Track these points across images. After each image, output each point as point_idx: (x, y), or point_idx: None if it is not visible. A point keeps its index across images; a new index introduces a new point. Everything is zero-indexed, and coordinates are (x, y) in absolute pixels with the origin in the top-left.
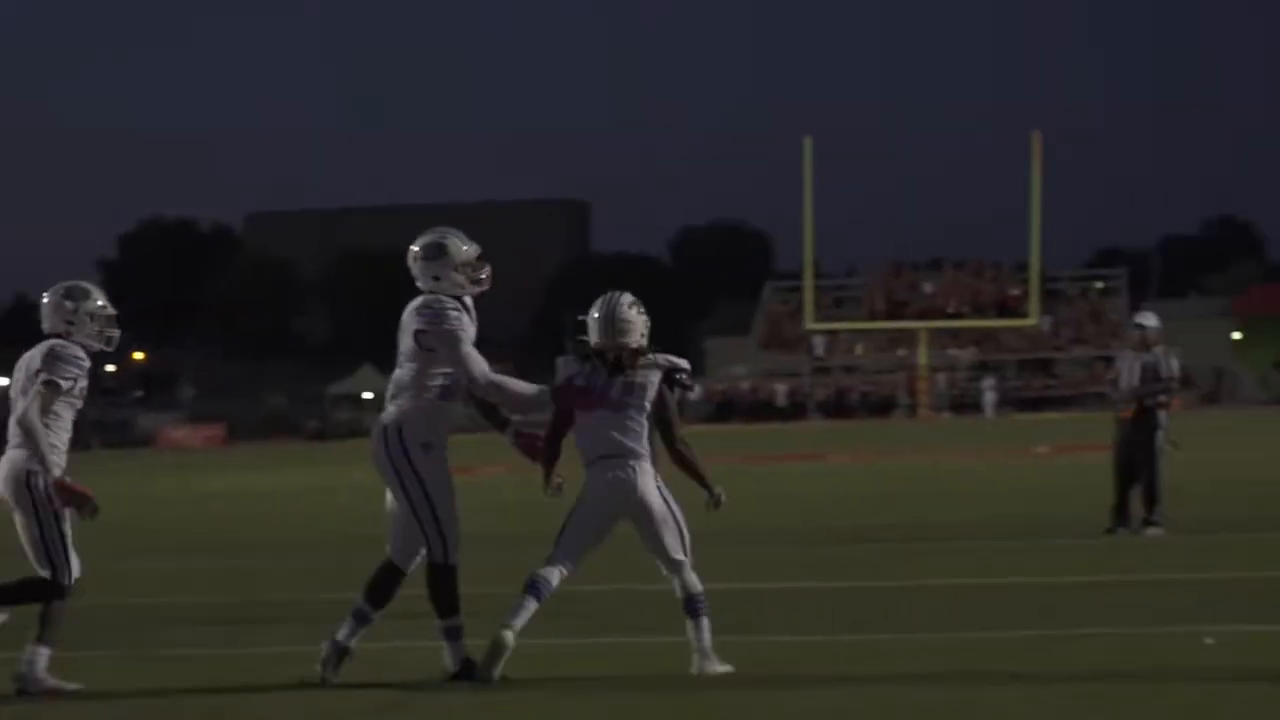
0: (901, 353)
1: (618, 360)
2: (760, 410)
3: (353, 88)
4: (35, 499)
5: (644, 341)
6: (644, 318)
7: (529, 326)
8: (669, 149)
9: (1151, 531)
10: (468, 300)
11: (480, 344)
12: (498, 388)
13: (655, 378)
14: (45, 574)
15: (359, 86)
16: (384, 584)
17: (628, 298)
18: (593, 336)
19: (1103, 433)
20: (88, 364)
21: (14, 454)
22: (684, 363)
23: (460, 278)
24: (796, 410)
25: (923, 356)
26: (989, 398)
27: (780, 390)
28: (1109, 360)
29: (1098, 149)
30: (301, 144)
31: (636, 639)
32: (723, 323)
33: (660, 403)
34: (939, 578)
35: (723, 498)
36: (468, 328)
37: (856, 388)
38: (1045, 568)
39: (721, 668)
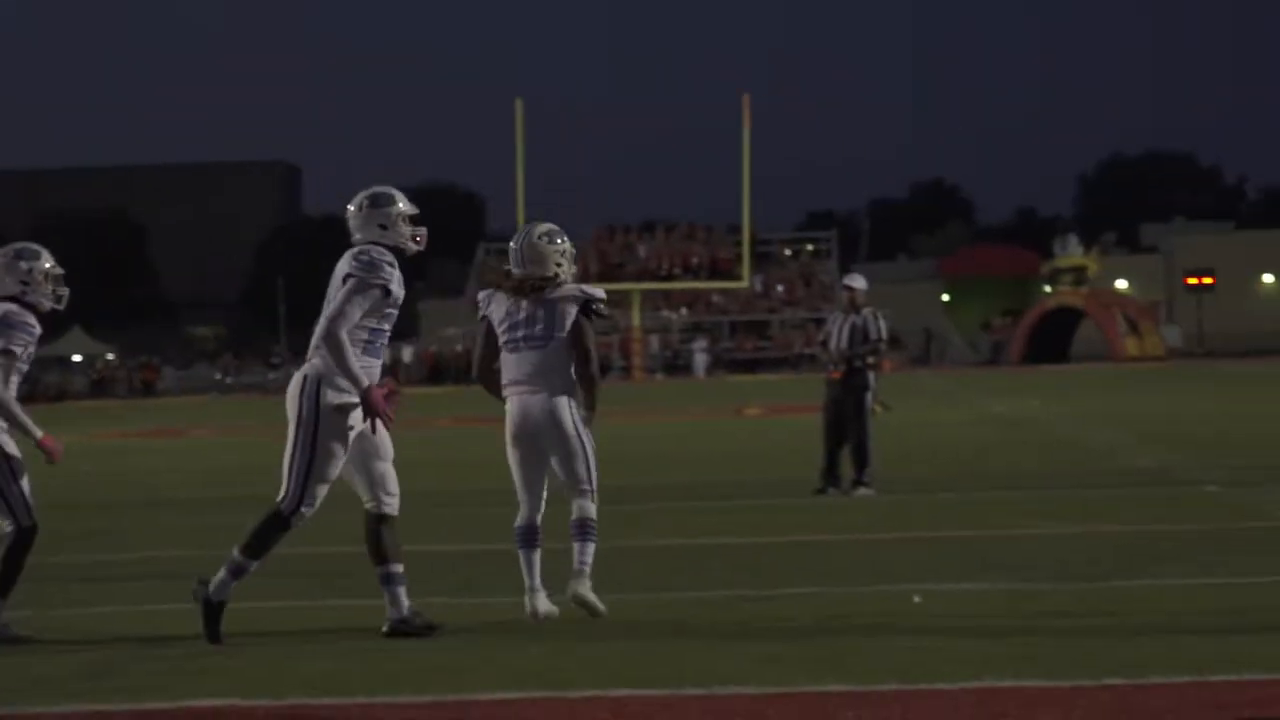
0: (615, 314)
1: (535, 288)
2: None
3: (52, 50)
4: None
5: (560, 270)
6: (557, 247)
7: (240, 291)
8: (379, 110)
9: (861, 492)
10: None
11: (192, 308)
12: (336, 348)
13: (572, 307)
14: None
15: (58, 49)
16: (379, 537)
17: (541, 228)
18: (512, 266)
19: (813, 394)
20: (39, 330)
21: None
22: (599, 292)
23: (406, 230)
24: None
25: (636, 318)
26: (700, 359)
27: None
28: (820, 322)
29: (807, 113)
30: None
31: (351, 601)
32: (436, 285)
33: (577, 330)
34: (649, 538)
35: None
36: (394, 286)
37: None
38: (755, 527)
39: (592, 595)
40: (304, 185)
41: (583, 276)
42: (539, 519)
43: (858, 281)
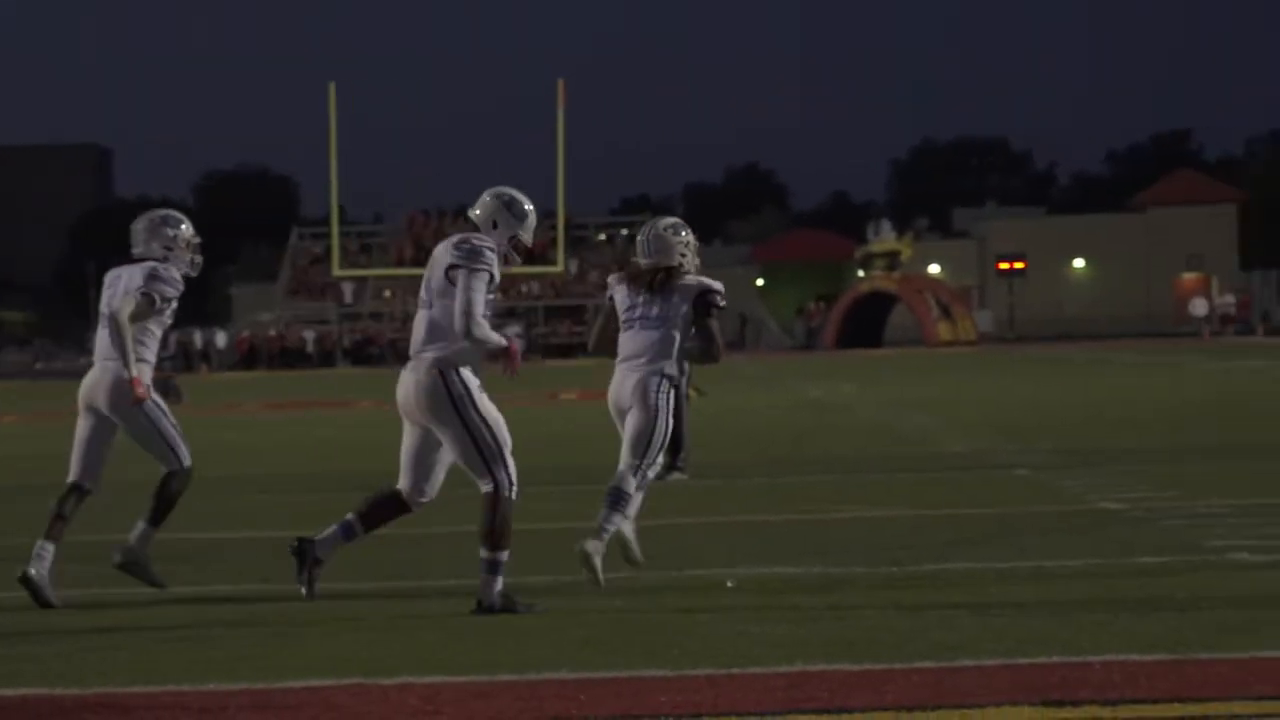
0: None
1: (658, 278)
2: (288, 357)
3: None
4: (142, 406)
5: (684, 260)
6: (681, 239)
7: (52, 274)
8: (192, 93)
9: (675, 476)
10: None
11: (3, 291)
12: (483, 338)
13: (688, 298)
14: (175, 464)
15: None
16: (385, 509)
17: (666, 221)
18: (639, 257)
19: None
20: (183, 288)
21: (115, 365)
22: (718, 284)
23: (521, 240)
24: (325, 358)
25: None
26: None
27: (308, 337)
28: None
29: (626, 96)
30: None
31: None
32: (249, 269)
33: (696, 320)
34: (459, 524)
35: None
36: (495, 277)
37: (385, 335)
38: (570, 513)
39: (599, 558)
40: (116, 168)
41: (396, 262)
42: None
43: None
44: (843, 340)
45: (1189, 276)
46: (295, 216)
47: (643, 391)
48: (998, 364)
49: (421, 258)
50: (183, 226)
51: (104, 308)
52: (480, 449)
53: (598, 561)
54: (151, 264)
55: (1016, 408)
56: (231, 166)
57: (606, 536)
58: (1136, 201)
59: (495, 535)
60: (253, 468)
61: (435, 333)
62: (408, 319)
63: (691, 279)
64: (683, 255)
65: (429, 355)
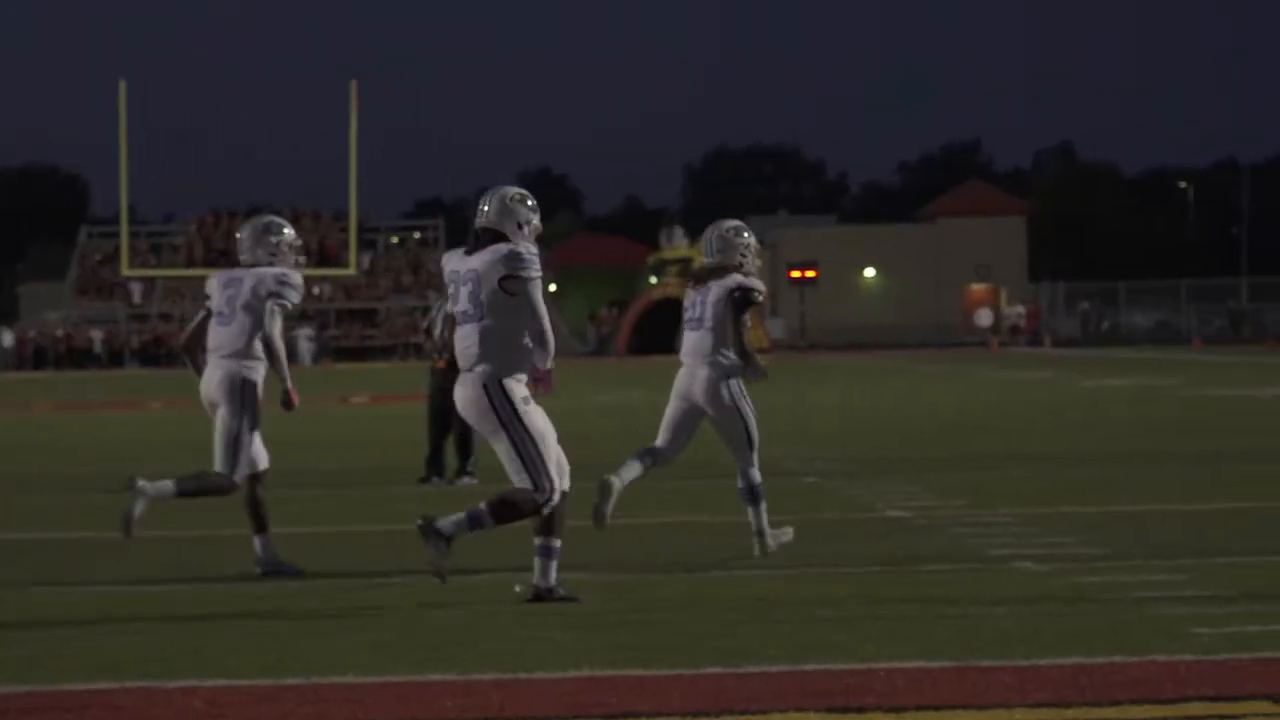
0: None
1: (702, 276)
2: (76, 358)
3: None
4: (245, 405)
5: (744, 261)
6: (744, 240)
7: None
8: None
9: (465, 481)
10: None
11: None
12: (548, 341)
13: (724, 296)
14: (223, 469)
15: None
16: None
17: (729, 223)
18: (704, 256)
19: (420, 383)
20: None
21: (229, 363)
22: (755, 282)
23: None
24: (114, 358)
25: None
26: (305, 347)
27: (96, 337)
28: (427, 310)
29: (418, 100)
30: None
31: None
32: (37, 268)
33: (728, 317)
34: (245, 528)
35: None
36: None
37: (175, 335)
38: (359, 516)
39: (783, 538)
40: None
41: (187, 263)
42: (674, 458)
43: (451, 261)
44: (634, 347)
45: (978, 287)
46: (83, 215)
47: (716, 399)
48: (789, 372)
49: (212, 259)
50: (285, 231)
51: (221, 306)
52: (524, 461)
53: (770, 541)
54: (279, 270)
55: (806, 416)
56: (20, 165)
57: (756, 525)
58: (926, 212)
59: (499, 509)
60: (38, 468)
61: (489, 346)
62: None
63: (730, 279)
64: (743, 256)
65: (482, 369)
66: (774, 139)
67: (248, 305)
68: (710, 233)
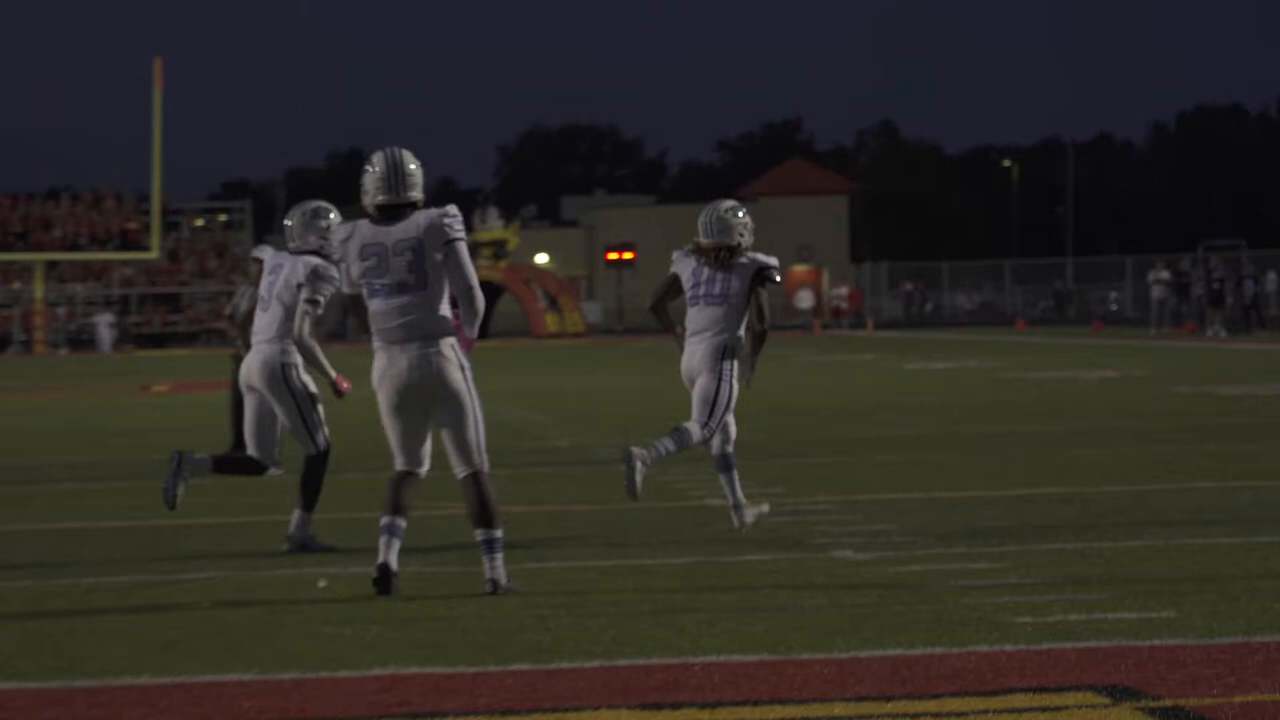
0: (17, 286)
1: (720, 255)
2: None
3: None
4: (292, 389)
5: (742, 240)
6: (740, 220)
7: None
8: None
9: (272, 472)
10: None
11: None
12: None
13: (747, 274)
14: (311, 449)
15: None
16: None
17: (727, 204)
18: (701, 236)
19: (223, 370)
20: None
21: (267, 348)
22: (774, 260)
23: None
24: None
25: (39, 290)
26: (106, 333)
27: None
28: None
29: (226, 79)
30: None
31: None
32: None
33: (754, 295)
34: (38, 521)
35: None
36: None
37: None
38: (155, 508)
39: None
40: None
41: None
42: (727, 446)
43: (267, 253)
44: None
45: (800, 268)
46: None
47: (710, 359)
48: (605, 357)
49: (7, 244)
50: (332, 216)
51: (264, 292)
52: (476, 431)
53: (639, 469)
54: (315, 261)
55: (623, 401)
56: None
57: (654, 456)
58: (747, 191)
59: (490, 512)
60: None
61: (438, 315)
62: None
63: (748, 257)
64: (741, 235)
65: (446, 341)
66: (590, 118)
67: (281, 295)
68: (709, 214)
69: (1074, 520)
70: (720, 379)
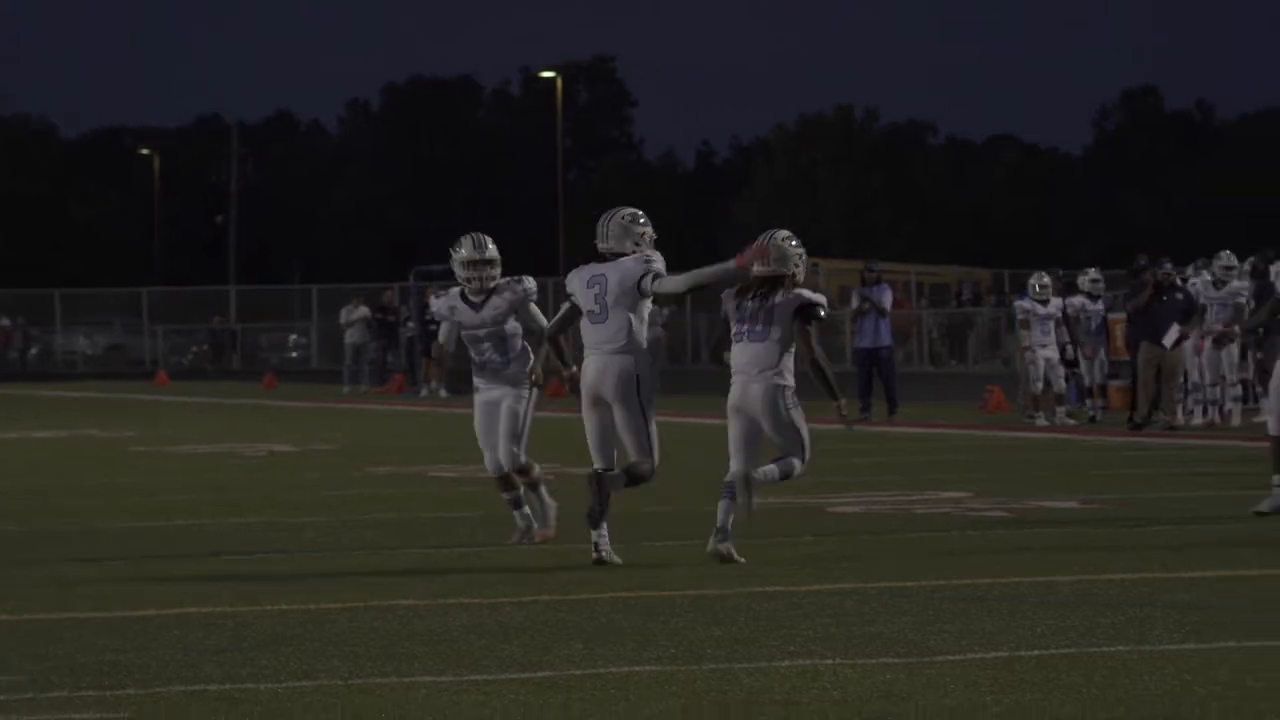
0: None
1: (774, 285)
2: None
3: None
4: (642, 398)
5: (798, 270)
6: (796, 249)
7: None
8: None
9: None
10: None
11: None
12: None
13: (791, 311)
14: (645, 463)
15: None
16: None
17: (783, 232)
18: (757, 264)
19: None
20: None
21: (621, 358)
22: (820, 297)
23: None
24: None
25: None
26: None
27: None
28: None
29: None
30: None
31: None
32: None
33: (800, 333)
34: None
35: (844, 410)
36: None
37: None
38: None
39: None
40: None
41: None
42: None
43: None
44: None
45: None
46: None
47: (773, 410)
48: None
49: None
50: (640, 220)
51: (588, 304)
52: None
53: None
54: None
55: None
56: None
57: (761, 480)
58: None
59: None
60: None
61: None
62: None
63: (795, 293)
64: (796, 266)
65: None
66: None
67: (616, 301)
68: (766, 240)
69: None
70: (795, 428)
